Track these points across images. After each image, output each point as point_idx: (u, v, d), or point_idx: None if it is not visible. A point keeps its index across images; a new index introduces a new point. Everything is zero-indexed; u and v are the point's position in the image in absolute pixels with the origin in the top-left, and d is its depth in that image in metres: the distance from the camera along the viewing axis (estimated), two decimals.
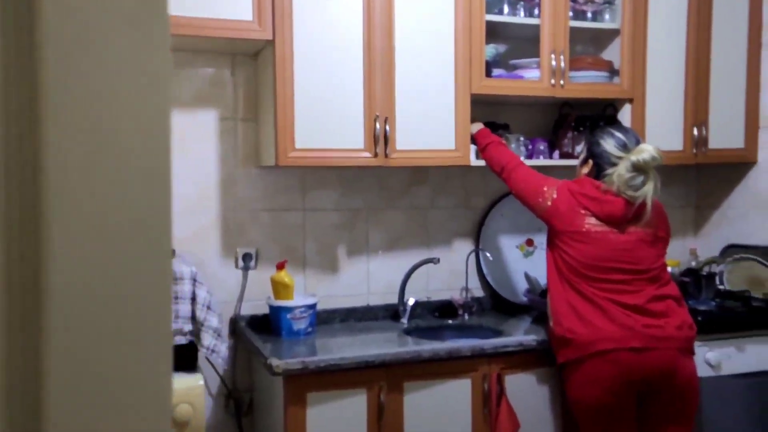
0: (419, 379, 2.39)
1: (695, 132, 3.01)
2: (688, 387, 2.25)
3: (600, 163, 2.40)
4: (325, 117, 2.48)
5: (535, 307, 2.96)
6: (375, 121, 2.53)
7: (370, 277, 2.94)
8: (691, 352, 2.30)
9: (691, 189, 3.45)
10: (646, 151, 2.33)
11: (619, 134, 2.40)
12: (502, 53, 2.98)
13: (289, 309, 2.55)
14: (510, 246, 3.15)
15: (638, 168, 2.31)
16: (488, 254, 2.95)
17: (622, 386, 2.21)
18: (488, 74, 2.76)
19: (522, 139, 2.94)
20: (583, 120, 2.91)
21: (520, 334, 2.63)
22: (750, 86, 3.10)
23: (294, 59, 2.42)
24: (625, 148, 2.36)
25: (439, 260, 2.87)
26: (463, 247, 3.07)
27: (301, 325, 2.57)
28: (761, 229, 3.10)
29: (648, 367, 2.20)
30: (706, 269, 3.27)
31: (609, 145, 2.38)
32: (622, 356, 2.20)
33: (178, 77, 2.64)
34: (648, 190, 2.30)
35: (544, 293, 2.90)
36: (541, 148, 2.96)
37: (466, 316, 2.95)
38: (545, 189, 2.42)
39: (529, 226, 3.17)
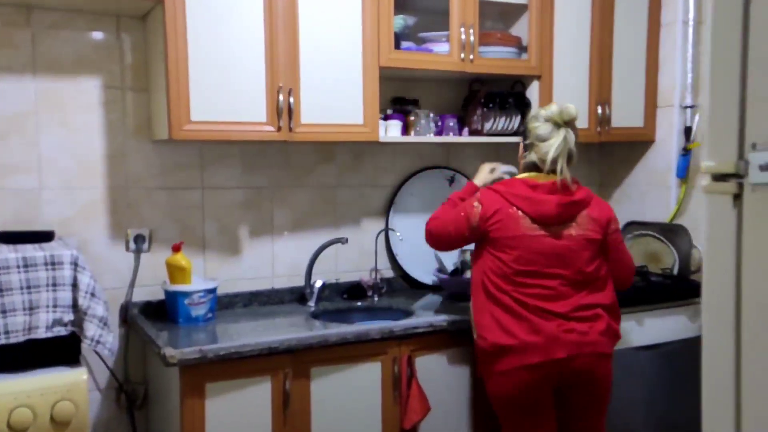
0: (327, 364, 2.28)
1: (599, 110, 3.04)
2: (603, 385, 2.25)
3: (525, 143, 2.34)
4: (224, 87, 2.31)
5: (445, 286, 2.91)
6: (278, 92, 2.38)
7: (275, 259, 2.79)
8: (611, 356, 2.25)
9: (594, 167, 3.51)
10: (553, 105, 2.33)
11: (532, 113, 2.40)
12: (412, 26, 2.88)
13: (187, 294, 2.38)
14: (420, 225, 3.06)
15: (547, 120, 2.27)
16: (398, 234, 2.87)
17: (540, 387, 2.17)
18: (397, 47, 2.66)
19: (432, 115, 2.87)
20: (492, 97, 2.87)
21: (431, 315, 2.57)
22: (649, 66, 3.16)
23: (186, 22, 2.22)
24: (535, 117, 2.34)
25: (347, 240, 2.76)
26: (372, 227, 2.98)
27: (199, 311, 2.40)
28: (658, 205, 3.18)
29: (568, 372, 2.15)
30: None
31: (529, 122, 2.35)
32: (544, 365, 2.13)
33: (55, 39, 2.38)
34: (554, 144, 2.22)
35: (454, 272, 2.85)
36: (451, 124, 2.90)
37: (376, 298, 2.86)
38: (464, 209, 2.28)
39: (439, 204, 3.11)
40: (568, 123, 2.29)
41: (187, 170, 2.61)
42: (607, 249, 2.29)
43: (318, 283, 2.74)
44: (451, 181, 3.14)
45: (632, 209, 3.31)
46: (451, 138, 2.88)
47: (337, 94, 2.52)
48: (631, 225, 3.24)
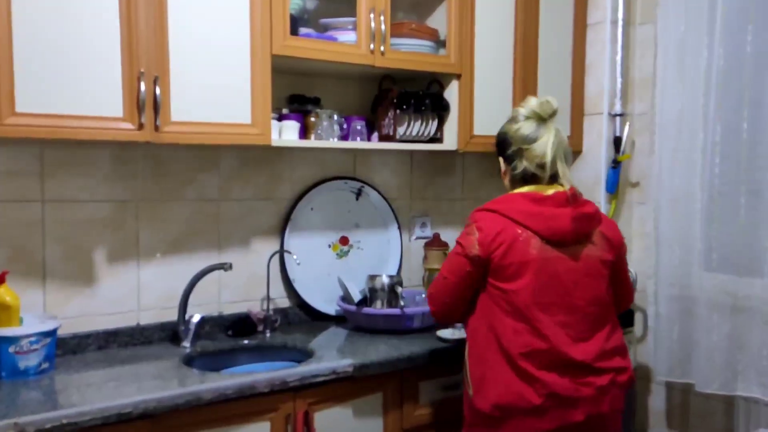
0: (200, 428, 1.78)
1: None
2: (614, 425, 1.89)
3: (506, 154, 1.94)
4: (63, 70, 1.78)
5: (351, 318, 2.47)
6: (139, 80, 1.87)
7: (141, 289, 2.26)
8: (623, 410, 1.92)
9: None
10: (530, 99, 1.95)
11: (509, 116, 2.03)
12: (312, 10, 2.45)
13: (12, 340, 1.81)
14: (321, 245, 2.64)
15: (528, 117, 1.91)
16: (295, 256, 2.41)
17: None
18: (294, 33, 2.21)
19: (336, 116, 2.43)
20: (406, 97, 2.47)
21: (334, 356, 2.12)
22: (575, 69, 2.87)
23: None
24: (512, 119, 1.98)
25: (231, 266, 2.26)
26: (264, 248, 2.50)
27: (30, 361, 1.84)
28: None
29: (582, 426, 1.79)
30: None
31: (504, 127, 1.98)
32: (560, 431, 1.77)
33: None
34: (547, 141, 1.85)
35: (362, 302, 2.42)
36: (358, 128, 2.47)
37: (268, 334, 2.38)
38: (461, 243, 1.86)
39: (344, 221, 2.68)
40: (551, 117, 1.94)
41: (21, 178, 2.05)
42: (616, 273, 1.93)
43: (195, 318, 2.23)
44: (358, 194, 2.71)
45: None
46: (358, 144, 2.45)
47: (218, 85, 2.04)
48: None
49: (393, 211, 2.78)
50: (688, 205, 2.34)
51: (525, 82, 2.71)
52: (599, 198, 2.83)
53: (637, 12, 2.82)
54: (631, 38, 2.82)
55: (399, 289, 2.39)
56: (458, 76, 2.55)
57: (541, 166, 1.86)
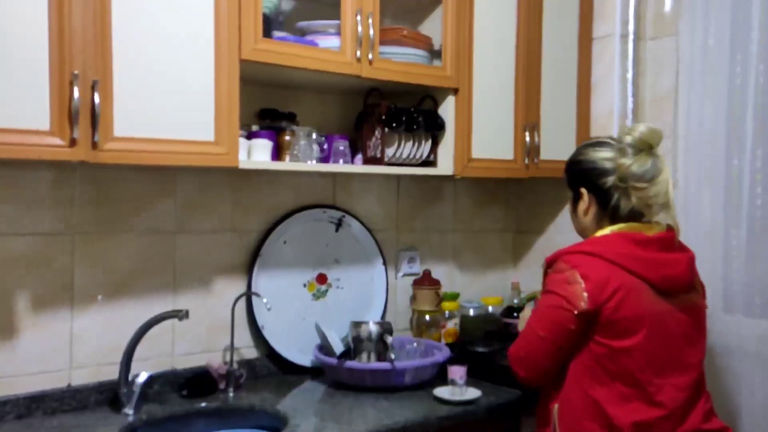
0: None
1: (527, 137, 2.39)
2: None
3: (597, 185, 1.65)
4: None
5: (330, 373, 2.09)
6: (72, 84, 1.49)
7: (74, 342, 1.85)
8: None
9: (510, 209, 2.85)
10: (638, 126, 1.66)
11: (589, 142, 1.78)
12: (289, 12, 2.10)
13: None
14: (295, 285, 2.26)
15: (642, 147, 1.62)
16: (265, 300, 2.03)
17: None
18: (267, 35, 1.86)
19: (315, 135, 2.07)
20: (396, 114, 2.13)
21: (312, 425, 1.74)
22: (581, 88, 2.57)
23: None
24: (608, 145, 1.68)
25: (187, 313, 1.87)
26: (227, 290, 2.11)
27: None
28: None
29: None
30: (529, 307, 2.66)
31: (592, 153, 1.69)
32: None
33: None
34: (667, 180, 1.60)
35: (344, 354, 2.04)
36: (341, 148, 2.11)
37: (231, 393, 1.99)
38: (562, 295, 1.56)
39: (321, 256, 2.31)
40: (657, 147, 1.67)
41: None
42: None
43: (141, 377, 1.83)
44: (339, 224, 2.35)
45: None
46: (340, 167, 2.10)
47: (175, 94, 1.67)
48: None
49: (377, 244, 2.42)
50: (724, 241, 2.03)
51: (528, 100, 2.40)
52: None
53: (648, 25, 2.53)
54: (641, 54, 2.53)
55: (389, 339, 2.02)
56: (455, 91, 2.22)
57: (650, 205, 1.62)
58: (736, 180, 2.04)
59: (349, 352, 2.05)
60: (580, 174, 1.69)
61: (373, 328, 2.04)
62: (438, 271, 2.53)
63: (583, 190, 1.68)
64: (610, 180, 1.63)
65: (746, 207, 1.99)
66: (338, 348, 2.03)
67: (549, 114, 2.46)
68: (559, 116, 2.50)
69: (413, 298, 2.49)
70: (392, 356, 1.97)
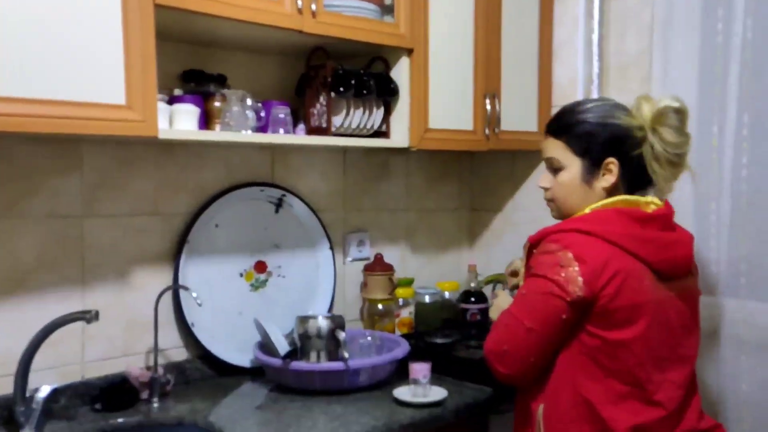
0: None
1: (488, 105, 2.15)
2: None
3: (627, 157, 1.42)
4: None
5: (272, 375, 1.82)
6: None
7: None
8: None
9: (464, 186, 2.63)
10: (666, 95, 1.45)
11: (612, 102, 1.49)
12: None
13: None
14: (230, 275, 1.97)
15: (683, 119, 1.43)
16: (194, 293, 1.73)
17: None
18: None
19: (250, 101, 1.77)
20: (345, 77, 1.85)
21: (252, 430, 1.48)
22: (543, 52, 2.35)
23: None
24: (629, 112, 1.45)
25: (97, 314, 1.55)
26: (149, 283, 1.81)
27: None
28: None
29: None
30: (489, 290, 2.46)
31: (626, 118, 1.42)
32: None
33: None
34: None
35: (290, 353, 1.77)
36: (281, 116, 1.83)
37: (155, 404, 1.69)
38: (554, 280, 1.32)
39: (259, 241, 2.03)
40: None
41: None
42: None
43: (43, 391, 1.51)
44: (278, 205, 2.07)
45: (521, 240, 2.46)
46: (281, 137, 1.81)
47: (75, 46, 1.35)
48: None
49: (323, 225, 2.15)
50: (705, 217, 1.85)
51: (488, 65, 2.16)
52: None
53: None
54: (607, 14, 2.33)
55: (341, 335, 1.76)
56: (409, 52, 1.97)
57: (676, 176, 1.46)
58: (716, 150, 1.86)
59: (296, 351, 1.78)
60: (613, 141, 1.43)
61: (322, 323, 1.78)
62: (389, 255, 2.29)
63: (614, 161, 1.42)
64: (645, 150, 1.42)
65: (729, 179, 1.82)
66: (282, 347, 1.76)
67: (510, 81, 2.23)
68: (521, 84, 2.28)
69: (364, 286, 2.24)
70: (346, 355, 1.72)
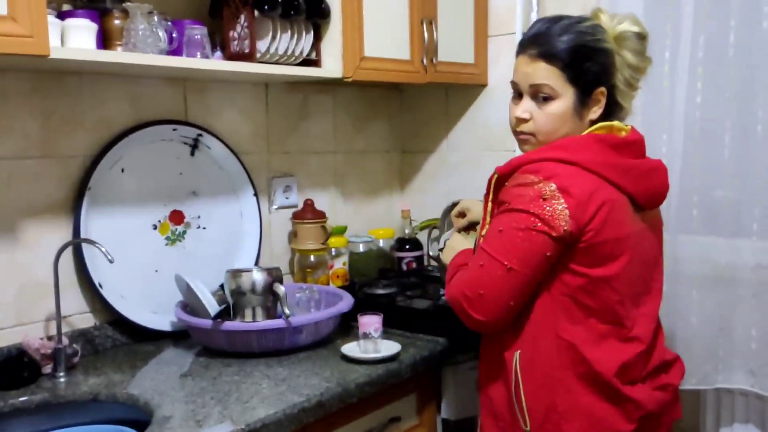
0: None
1: (425, 33, 1.97)
2: None
3: (611, 84, 1.29)
4: None
5: (200, 337, 1.60)
6: None
7: None
8: None
9: (394, 125, 2.45)
10: (624, 17, 1.32)
11: (594, 22, 1.30)
12: None
13: None
14: (142, 227, 1.71)
15: (644, 43, 1.32)
16: (103, 248, 1.46)
17: None
18: None
19: (157, 19, 1.49)
20: None
21: (185, 404, 1.26)
22: None
23: None
24: (630, 37, 1.31)
25: None
26: (44, 239, 1.53)
27: None
28: None
29: None
30: (424, 237, 2.32)
31: (609, 41, 1.28)
32: None
33: None
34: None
35: (224, 312, 1.55)
36: (197, 37, 1.56)
37: (62, 378, 1.44)
38: (538, 214, 1.18)
39: (174, 188, 1.77)
40: None
41: None
42: None
43: None
44: (194, 146, 1.81)
45: (458, 185, 2.33)
46: (199, 62, 1.55)
47: None
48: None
49: (246, 170, 1.91)
50: (656, 149, 1.77)
51: None
52: (514, 146, 2.17)
53: None
54: None
55: (281, 290, 1.55)
56: None
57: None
58: (668, 76, 1.77)
59: (228, 310, 1.56)
60: (608, 69, 1.27)
61: (258, 276, 1.56)
62: (318, 201, 2.09)
63: (604, 90, 1.28)
64: (621, 74, 1.29)
65: (682, 108, 1.74)
66: (212, 305, 1.53)
67: (445, 6, 2.05)
68: (456, 10, 2.10)
69: (293, 236, 2.04)
70: (287, 311, 1.52)
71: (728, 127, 1.69)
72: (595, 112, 1.28)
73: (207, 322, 1.52)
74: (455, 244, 1.47)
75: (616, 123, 1.30)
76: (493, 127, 2.23)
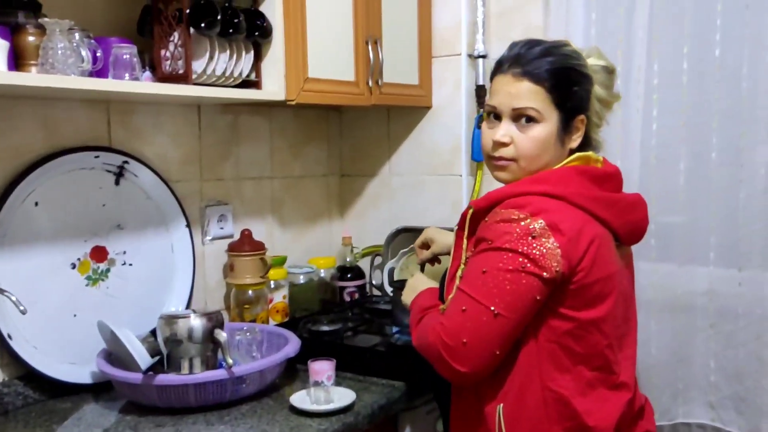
0: None
1: (370, 53, 1.86)
2: None
3: (589, 114, 1.23)
4: None
5: (127, 391, 1.42)
6: None
7: None
8: None
9: (333, 149, 2.32)
10: (590, 50, 1.26)
11: (574, 49, 1.23)
12: None
13: None
14: (58, 267, 1.52)
15: (613, 77, 1.27)
16: (13, 296, 1.27)
17: None
18: None
19: (79, 36, 1.32)
20: (206, 9, 1.45)
21: None
22: None
23: None
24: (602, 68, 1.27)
25: None
26: None
27: None
28: (442, 204, 2.15)
29: None
30: (367, 264, 2.21)
31: (582, 58, 1.22)
32: None
33: None
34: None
35: (156, 363, 1.38)
36: (125, 56, 1.39)
37: None
38: (528, 254, 1.08)
39: (96, 222, 1.60)
40: None
41: None
42: None
43: None
44: (119, 174, 1.63)
45: (401, 210, 2.23)
46: (124, 85, 1.38)
47: None
48: (403, 234, 2.15)
49: (177, 199, 1.75)
50: None
51: (368, 4, 1.87)
52: (460, 170, 2.12)
53: None
54: None
55: (222, 336, 1.40)
56: None
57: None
58: (620, 104, 1.74)
59: (162, 361, 1.39)
60: (587, 94, 1.20)
61: (196, 322, 1.40)
62: (255, 230, 1.93)
63: (584, 118, 1.21)
64: (596, 105, 1.23)
65: (638, 136, 1.70)
66: (142, 357, 1.35)
67: (389, 25, 1.95)
68: (401, 30, 2.01)
69: (229, 269, 1.87)
70: (230, 360, 1.36)
71: (683, 154, 1.67)
72: (575, 140, 1.21)
73: (137, 376, 1.35)
74: (416, 283, 1.36)
75: (592, 154, 1.23)
76: (438, 150, 2.15)
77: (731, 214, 1.63)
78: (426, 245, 1.52)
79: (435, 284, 1.34)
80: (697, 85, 1.65)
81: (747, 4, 1.58)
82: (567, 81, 1.17)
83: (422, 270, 1.54)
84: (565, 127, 1.19)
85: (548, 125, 1.17)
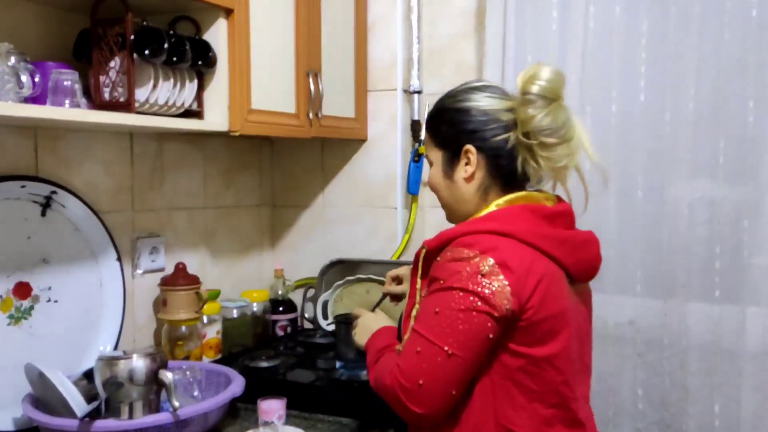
0: None
1: (311, 85, 1.86)
2: None
3: (492, 143, 1.20)
4: None
5: None
6: None
7: None
8: None
9: (265, 178, 2.29)
10: (541, 68, 1.18)
11: (472, 85, 1.26)
12: None
13: None
14: None
15: (552, 97, 1.17)
16: None
17: None
18: None
19: (15, 59, 1.24)
20: (151, 36, 1.40)
21: None
22: (358, 28, 2.11)
23: None
24: (499, 90, 1.25)
25: None
26: None
27: None
28: (377, 236, 2.16)
29: None
30: (299, 296, 2.18)
31: (484, 99, 1.22)
32: None
33: None
34: (581, 133, 1.21)
35: (93, 411, 1.29)
36: (66, 83, 1.31)
37: None
38: (478, 293, 1.09)
39: (19, 255, 1.50)
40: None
41: None
42: None
43: None
44: (46, 205, 1.53)
45: (335, 242, 2.22)
46: (68, 113, 1.30)
47: None
48: (337, 266, 2.14)
49: (108, 231, 1.66)
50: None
51: (309, 37, 1.87)
52: (395, 203, 2.15)
53: None
54: None
55: (167, 377, 1.33)
56: (228, 13, 1.59)
57: (559, 170, 1.21)
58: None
59: (99, 406, 1.30)
60: (468, 127, 1.22)
61: (138, 364, 1.32)
62: (188, 263, 1.85)
63: (471, 148, 1.22)
64: (512, 136, 1.20)
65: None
66: (78, 403, 1.26)
67: (327, 58, 1.96)
68: (337, 62, 2.02)
69: (161, 304, 1.79)
70: (176, 403, 1.29)
71: (613, 191, 1.76)
72: (466, 170, 1.23)
73: (72, 423, 1.26)
74: (369, 322, 1.36)
75: (535, 194, 1.26)
76: (373, 182, 2.16)
77: (656, 248, 1.73)
78: (399, 280, 1.51)
79: (388, 322, 1.34)
80: (624, 127, 1.75)
81: (668, 54, 1.70)
82: (438, 120, 1.27)
83: (381, 300, 1.54)
84: (451, 161, 1.25)
85: (437, 165, 1.27)
